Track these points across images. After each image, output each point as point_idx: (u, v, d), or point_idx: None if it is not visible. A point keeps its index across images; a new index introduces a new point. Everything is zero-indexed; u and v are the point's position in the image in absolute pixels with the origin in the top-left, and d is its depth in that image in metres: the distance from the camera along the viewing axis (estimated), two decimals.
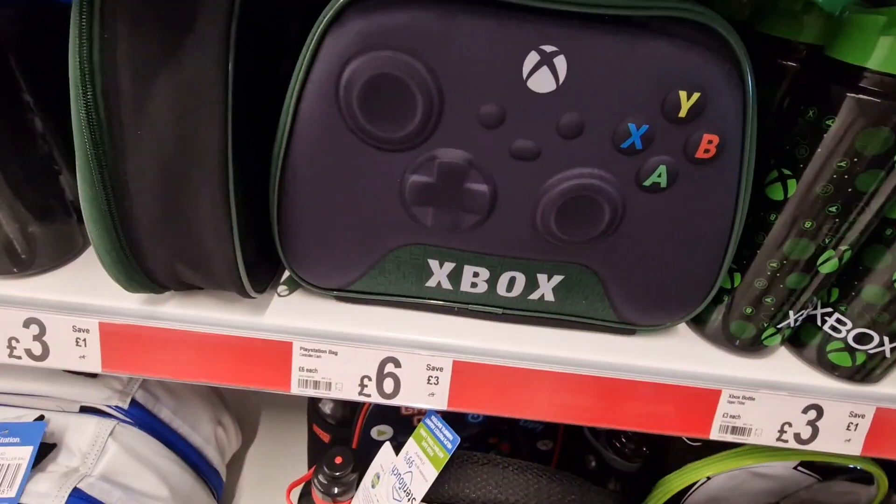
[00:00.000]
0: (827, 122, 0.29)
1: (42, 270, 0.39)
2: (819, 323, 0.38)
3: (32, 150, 0.37)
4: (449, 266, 0.35)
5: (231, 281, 0.34)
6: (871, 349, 0.36)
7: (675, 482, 0.47)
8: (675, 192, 0.30)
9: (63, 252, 0.40)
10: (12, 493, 0.37)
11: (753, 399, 0.38)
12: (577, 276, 0.35)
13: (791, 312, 0.36)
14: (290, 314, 0.38)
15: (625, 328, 0.39)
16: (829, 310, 0.38)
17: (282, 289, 0.40)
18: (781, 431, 0.39)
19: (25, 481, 0.38)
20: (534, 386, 0.38)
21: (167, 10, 0.27)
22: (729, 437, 0.39)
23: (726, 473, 0.45)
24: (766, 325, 0.37)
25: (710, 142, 0.28)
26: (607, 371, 0.37)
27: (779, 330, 0.38)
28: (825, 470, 0.46)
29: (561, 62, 0.26)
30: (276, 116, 0.30)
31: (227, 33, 0.27)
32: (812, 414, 0.38)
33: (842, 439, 0.39)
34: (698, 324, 0.41)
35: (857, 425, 0.38)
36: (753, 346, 0.39)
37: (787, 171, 0.32)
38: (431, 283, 0.37)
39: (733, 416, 0.38)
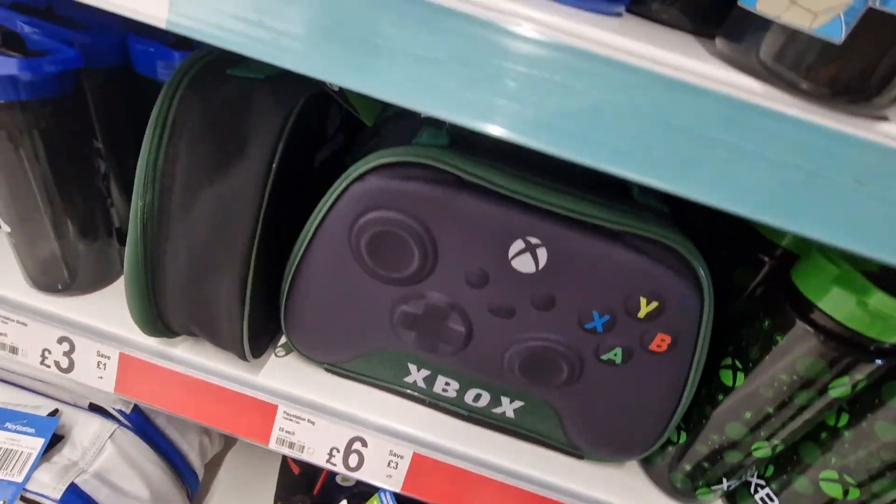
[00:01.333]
0: (777, 337, 0.33)
1: (82, 291, 0.45)
2: (752, 491, 0.41)
3: (93, 185, 0.43)
4: (425, 372, 0.40)
5: (234, 350, 0.39)
6: None
7: None
8: (629, 369, 0.34)
9: (103, 278, 0.46)
10: (20, 479, 0.43)
11: None
12: (536, 405, 0.39)
13: (725, 479, 0.39)
14: (282, 377, 0.43)
15: (574, 452, 0.43)
16: (763, 482, 0.40)
17: (279, 350, 0.45)
18: None
19: (33, 470, 0.44)
20: (480, 490, 0.42)
21: (221, 139, 0.32)
22: None
23: None
24: (701, 483, 0.40)
25: (662, 340, 0.31)
26: (550, 492, 0.41)
27: (713, 490, 0.41)
28: None
29: (542, 252, 0.30)
30: (296, 219, 0.35)
31: (268, 167, 0.32)
32: None
33: None
34: (645, 463, 0.44)
35: None
36: (689, 497, 0.42)
37: (738, 364, 0.35)
38: (409, 379, 0.41)
39: None
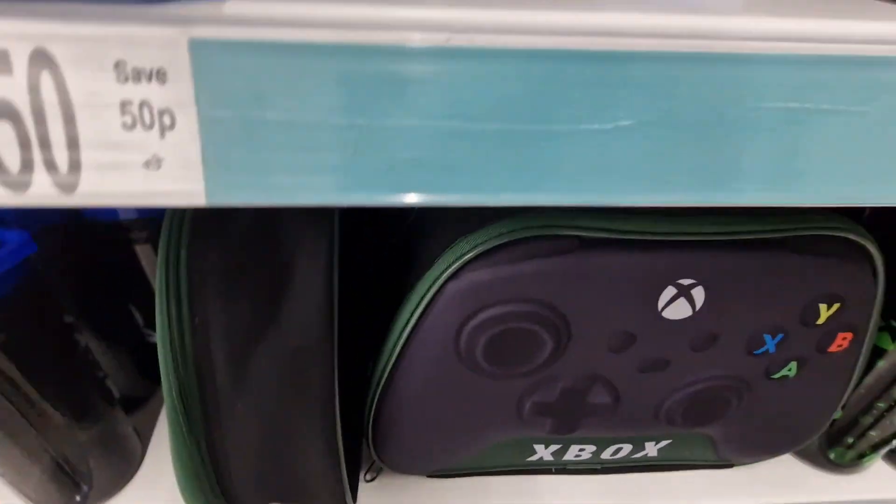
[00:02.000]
0: None
1: (104, 496, 0.36)
2: None
3: (79, 367, 0.34)
4: (554, 447, 0.34)
5: (332, 502, 0.32)
6: None
7: None
8: (802, 377, 0.29)
9: (125, 466, 0.37)
10: None
11: None
12: (688, 439, 0.34)
13: (894, 440, 0.36)
14: (382, 501, 0.36)
15: (723, 465, 0.39)
16: None
17: (367, 476, 0.38)
18: None
19: None
20: None
21: (259, 278, 0.24)
22: None
23: None
24: (867, 452, 0.37)
25: (844, 338, 0.27)
26: None
27: (879, 453, 0.37)
28: None
29: (699, 292, 0.25)
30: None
31: (330, 284, 0.24)
32: None
33: None
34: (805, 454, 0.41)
35: None
36: (854, 467, 0.39)
37: (894, 323, 0.32)
38: (533, 458, 0.35)
39: None
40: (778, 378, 0.28)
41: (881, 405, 0.34)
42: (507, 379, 0.27)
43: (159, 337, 0.24)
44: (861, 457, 0.38)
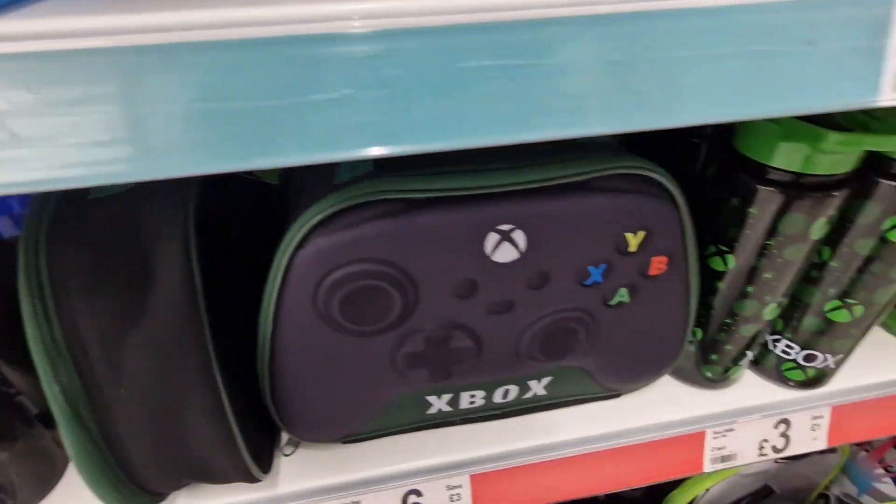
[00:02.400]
0: (749, 210, 0.33)
1: None
2: (772, 347, 0.43)
3: None
4: (447, 396, 0.37)
5: (241, 478, 0.34)
6: (817, 365, 0.42)
7: (679, 500, 0.52)
8: (639, 301, 0.33)
9: (48, 476, 0.38)
10: None
11: (733, 430, 0.42)
12: (564, 373, 0.38)
13: (748, 352, 0.41)
14: (301, 475, 0.39)
15: (611, 395, 0.43)
16: (778, 337, 0.43)
17: (286, 448, 0.41)
18: (760, 448, 0.44)
19: None
20: (550, 475, 0.41)
21: (120, 270, 0.26)
22: (719, 466, 0.43)
23: (723, 482, 0.50)
24: (730, 365, 0.42)
25: (660, 262, 0.31)
26: (611, 442, 0.41)
27: (741, 365, 0.42)
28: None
29: (519, 235, 0.28)
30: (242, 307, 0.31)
31: (188, 270, 0.27)
32: (782, 427, 0.44)
33: (809, 440, 0.44)
34: (675, 371, 0.45)
35: (818, 425, 0.44)
36: (723, 381, 0.43)
37: (724, 248, 0.36)
38: (432, 411, 0.38)
39: (720, 448, 0.43)
40: (615, 305, 0.32)
41: (728, 321, 0.39)
42: (373, 336, 0.30)
43: (31, 338, 0.26)
44: (727, 370, 0.42)
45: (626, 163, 0.28)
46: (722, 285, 0.37)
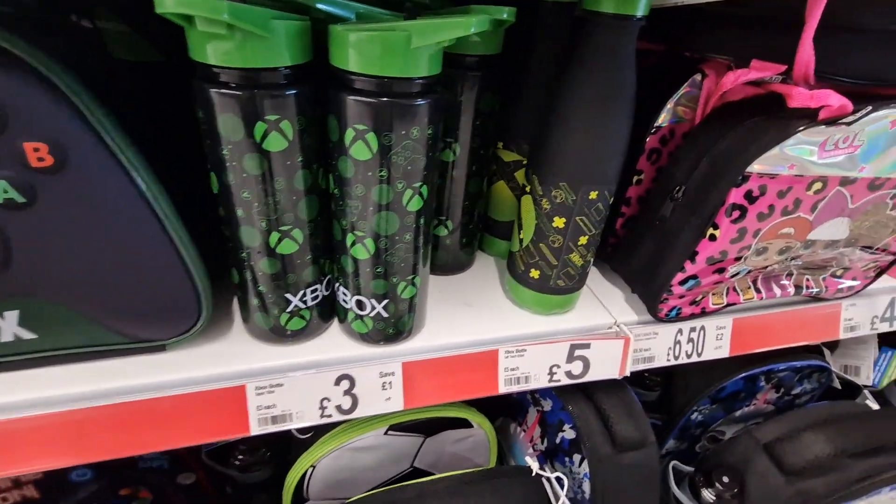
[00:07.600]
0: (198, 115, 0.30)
1: None
2: (340, 299, 0.41)
3: None
4: None
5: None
6: (369, 314, 0.39)
7: (289, 478, 0.47)
8: (49, 205, 0.29)
9: None
10: None
11: (282, 385, 0.39)
12: (36, 308, 0.33)
13: (290, 296, 0.38)
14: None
15: (151, 346, 0.38)
16: (338, 284, 0.40)
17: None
18: (322, 409, 0.40)
19: None
20: (38, 434, 0.35)
21: None
22: (271, 428, 0.39)
23: (327, 457, 0.46)
24: (277, 312, 0.38)
25: (37, 149, 0.27)
26: (125, 395, 0.36)
27: (293, 314, 0.39)
28: (423, 426, 0.50)
29: None
30: None
31: None
32: (346, 384, 0.40)
33: (382, 399, 0.42)
34: (246, 323, 0.41)
35: (391, 383, 0.41)
36: (289, 335, 0.40)
37: (209, 168, 0.33)
38: None
39: (267, 407, 0.39)
40: (4, 203, 0.28)
41: (242, 255, 0.35)
42: None
43: None
44: (279, 319, 0.39)
45: None
46: (226, 211, 0.34)
